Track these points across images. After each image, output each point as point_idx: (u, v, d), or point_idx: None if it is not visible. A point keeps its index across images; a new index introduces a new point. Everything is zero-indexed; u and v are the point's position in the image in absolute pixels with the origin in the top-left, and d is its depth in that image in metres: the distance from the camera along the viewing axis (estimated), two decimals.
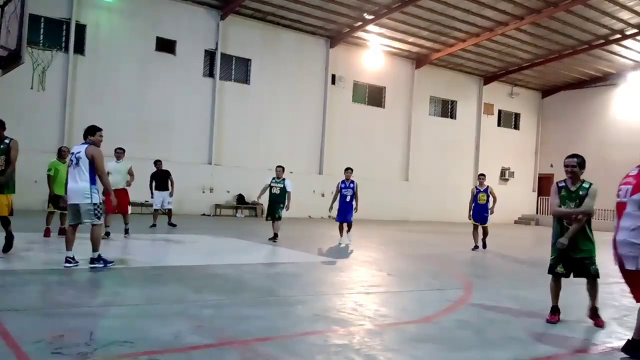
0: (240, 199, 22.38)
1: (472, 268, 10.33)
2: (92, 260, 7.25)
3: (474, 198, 13.49)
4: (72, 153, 7.42)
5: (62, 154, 10.54)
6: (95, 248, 7.28)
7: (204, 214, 21.33)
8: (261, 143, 22.79)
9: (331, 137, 24.77)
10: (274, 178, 12.75)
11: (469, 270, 9.86)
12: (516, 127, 32.25)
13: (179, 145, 20.93)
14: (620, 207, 4.43)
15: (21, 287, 5.94)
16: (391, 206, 25.76)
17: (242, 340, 4.47)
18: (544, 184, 32.40)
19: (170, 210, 15.14)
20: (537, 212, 31.93)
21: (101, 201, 7.35)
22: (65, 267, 7.12)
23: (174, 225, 14.84)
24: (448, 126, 28.95)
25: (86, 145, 7.30)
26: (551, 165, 32.00)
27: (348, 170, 12.69)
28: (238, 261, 9.53)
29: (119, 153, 11.68)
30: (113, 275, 6.98)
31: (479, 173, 13.99)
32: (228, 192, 22.27)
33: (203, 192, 21.55)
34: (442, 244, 15.14)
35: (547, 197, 31.60)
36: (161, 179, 15.08)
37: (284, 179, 12.66)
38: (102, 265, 7.22)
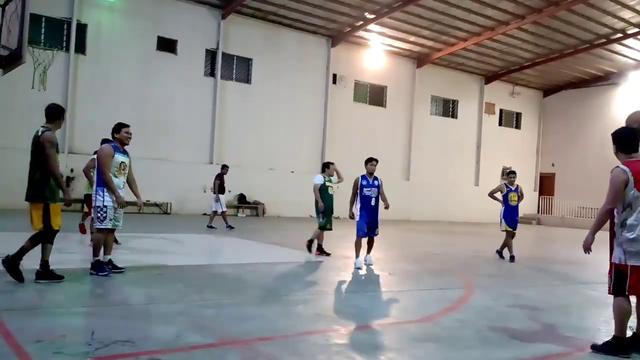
0: (241, 198, 22.37)
1: (473, 268, 10.32)
2: (91, 265, 6.95)
3: (504, 199, 11.58)
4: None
5: None
6: (93, 253, 6.93)
7: (205, 214, 21.32)
8: (262, 142, 22.79)
9: (332, 136, 24.76)
10: (324, 176, 10.16)
11: (470, 270, 9.85)
12: (517, 126, 32.23)
13: (180, 145, 20.94)
14: None
15: (23, 287, 5.94)
16: (392, 205, 25.41)
17: (243, 340, 4.47)
18: (545, 183, 32.40)
19: (224, 212, 15.84)
20: (538, 212, 31.91)
21: (110, 205, 6.82)
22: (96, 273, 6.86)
23: (232, 228, 15.38)
24: (449, 126, 28.93)
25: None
26: (552, 165, 31.99)
27: (372, 161, 9.32)
28: (239, 261, 9.54)
29: None
30: (114, 275, 6.97)
31: (508, 170, 12.11)
32: (229, 191, 22.22)
33: (204, 191, 21.51)
34: (443, 244, 15.13)
35: (548, 197, 31.65)
36: (223, 182, 15.75)
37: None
38: (94, 272, 6.81)
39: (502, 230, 11.64)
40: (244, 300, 6.03)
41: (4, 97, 17.34)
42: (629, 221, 4.52)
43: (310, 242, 10.33)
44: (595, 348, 4.71)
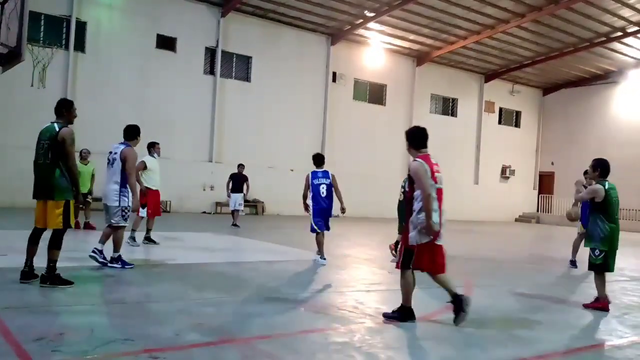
0: None
1: (472, 266, 10.33)
2: (112, 260, 7.31)
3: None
4: (110, 152, 7.52)
5: (82, 156, 12.19)
6: (115, 249, 7.33)
7: (204, 212, 21.34)
8: (262, 141, 22.77)
9: (332, 134, 24.75)
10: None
11: (469, 269, 9.85)
12: (517, 125, 32.21)
13: (179, 143, 20.90)
14: (441, 192, 5.34)
15: (22, 285, 5.94)
16: (392, 204, 25.67)
17: (242, 338, 4.47)
18: (544, 181, 32.41)
19: (238, 211, 15.88)
20: (537, 210, 31.92)
21: (129, 204, 7.34)
22: (90, 255, 7.28)
23: (237, 227, 15.39)
24: (449, 124, 28.88)
25: (123, 147, 7.43)
26: (552, 163, 31.99)
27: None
28: (239, 259, 9.54)
29: (159, 148, 10.51)
30: (114, 273, 6.98)
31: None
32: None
33: (204, 189, 21.53)
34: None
35: (547, 195, 31.68)
36: (239, 182, 15.77)
37: None
38: (119, 266, 7.23)
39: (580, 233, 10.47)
40: (243, 299, 6.03)
41: (4, 95, 17.32)
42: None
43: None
44: (386, 316, 5.34)
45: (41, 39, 18.02)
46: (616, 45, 25.54)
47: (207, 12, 21.64)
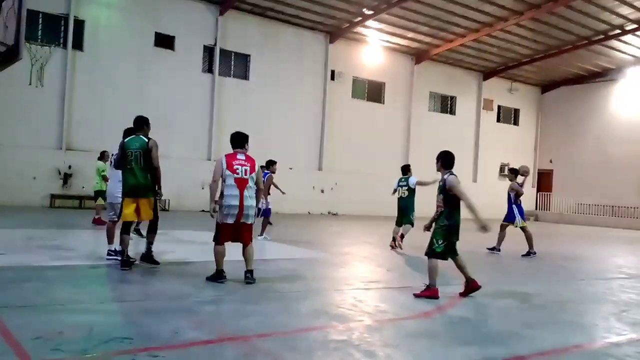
0: None
1: (471, 264, 10.32)
2: (116, 252, 7.62)
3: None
4: (112, 154, 8.23)
5: (104, 157, 12.79)
6: (110, 241, 7.88)
7: (203, 210, 21.32)
8: (260, 139, 22.66)
9: (330, 133, 24.74)
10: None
11: (468, 266, 9.85)
12: (515, 122, 32.21)
13: (178, 141, 20.87)
14: (244, 182, 6.53)
15: (21, 284, 5.94)
16: (391, 202, 25.71)
17: (241, 336, 4.47)
18: (543, 179, 32.44)
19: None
20: (536, 208, 31.96)
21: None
22: (106, 258, 7.70)
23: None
24: (448, 122, 28.90)
25: None
26: (550, 161, 32.02)
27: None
28: (237, 257, 9.52)
29: None
30: (112, 272, 6.98)
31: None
32: None
33: (202, 188, 21.45)
34: None
35: (546, 193, 31.73)
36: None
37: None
38: (119, 258, 7.33)
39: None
40: (242, 297, 6.04)
41: (2, 93, 17.28)
42: (225, 192, 6.47)
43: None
44: (208, 279, 6.62)
45: (39, 37, 17.99)
46: (615, 43, 25.55)
47: (205, 11, 21.61)
